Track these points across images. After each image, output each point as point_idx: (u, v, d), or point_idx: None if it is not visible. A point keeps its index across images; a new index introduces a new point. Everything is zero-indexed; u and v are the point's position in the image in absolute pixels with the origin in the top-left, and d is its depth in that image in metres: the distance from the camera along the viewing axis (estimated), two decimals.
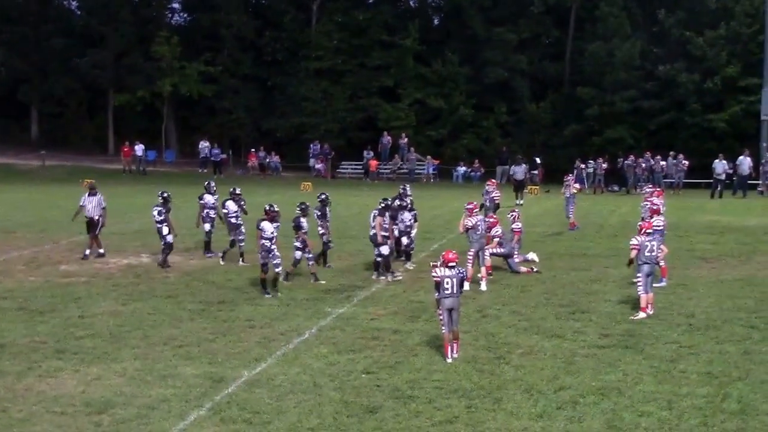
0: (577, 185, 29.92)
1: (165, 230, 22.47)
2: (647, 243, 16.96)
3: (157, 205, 22.72)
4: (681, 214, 33.05)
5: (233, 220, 22.97)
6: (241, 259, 22.72)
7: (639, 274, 16.94)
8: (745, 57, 54.23)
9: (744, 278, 20.47)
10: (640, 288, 16.85)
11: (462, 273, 14.58)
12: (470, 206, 20.42)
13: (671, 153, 47.57)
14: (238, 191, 23.50)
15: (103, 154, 63.73)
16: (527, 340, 15.15)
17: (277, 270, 18.92)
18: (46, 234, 27.72)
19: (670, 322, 16.27)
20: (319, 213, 21.96)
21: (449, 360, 14.01)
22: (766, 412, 11.61)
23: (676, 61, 55.95)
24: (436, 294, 14.21)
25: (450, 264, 14.13)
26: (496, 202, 26.54)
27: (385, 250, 20.64)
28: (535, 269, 21.36)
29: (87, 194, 24.02)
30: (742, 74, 53.53)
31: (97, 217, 23.73)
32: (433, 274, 14.24)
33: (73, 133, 67.41)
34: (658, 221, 19.79)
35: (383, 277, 20.63)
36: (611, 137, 56.03)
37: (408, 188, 24.17)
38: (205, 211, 23.89)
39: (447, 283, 14.02)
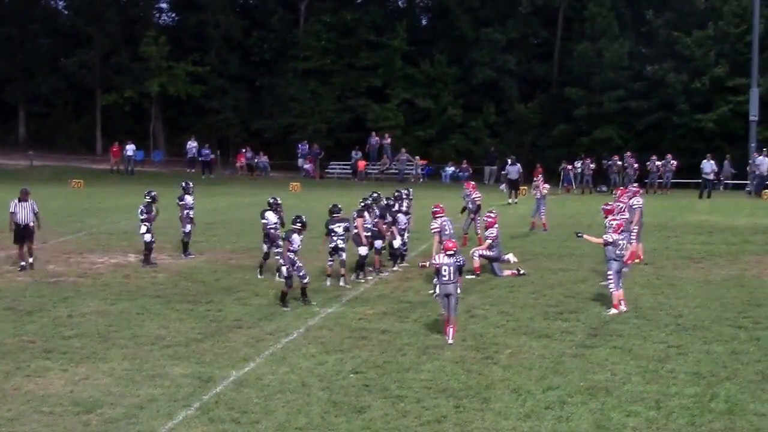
0: (548, 186, 29.98)
1: (142, 229, 22.47)
2: (619, 241, 17.18)
3: (141, 204, 22.75)
4: (669, 214, 33.13)
5: (273, 231, 20.85)
6: (278, 275, 19.41)
7: (609, 272, 17.10)
8: (733, 57, 54.27)
9: (732, 278, 20.53)
10: (612, 285, 17.14)
11: (460, 261, 15.38)
12: (435, 209, 20.61)
13: (668, 155, 47.39)
14: (278, 200, 21.59)
15: (90, 154, 63.59)
16: (515, 341, 15.18)
17: (304, 281, 18.18)
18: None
19: (658, 322, 16.32)
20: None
21: (450, 341, 14.75)
22: (754, 412, 11.65)
23: (664, 61, 55.99)
24: (435, 279, 15.38)
25: (449, 252, 15.15)
26: (477, 203, 26.49)
27: (363, 251, 20.64)
28: (521, 271, 21.32)
29: (17, 200, 22.57)
30: (730, 74, 53.52)
31: (31, 224, 22.60)
32: (433, 261, 15.37)
33: (61, 134, 67.14)
34: (612, 222, 20.14)
35: (360, 278, 20.69)
36: (599, 137, 56.16)
37: (411, 191, 24.22)
38: (185, 211, 23.66)
39: (445, 270, 14.98)
